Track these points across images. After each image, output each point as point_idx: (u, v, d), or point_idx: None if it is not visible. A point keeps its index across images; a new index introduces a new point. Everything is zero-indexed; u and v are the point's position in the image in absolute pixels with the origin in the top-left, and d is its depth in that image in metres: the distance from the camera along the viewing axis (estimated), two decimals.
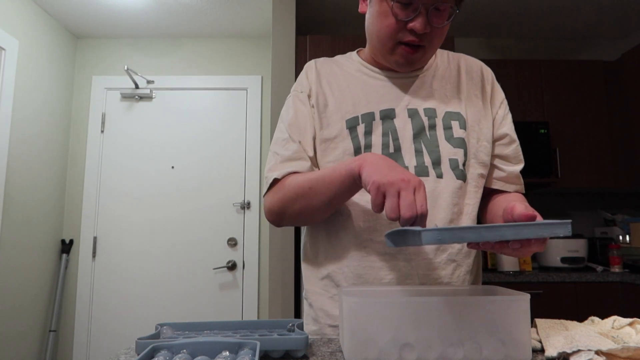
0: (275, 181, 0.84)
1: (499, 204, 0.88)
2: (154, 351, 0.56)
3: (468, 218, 0.84)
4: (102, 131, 2.85)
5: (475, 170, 0.86)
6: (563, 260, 2.40)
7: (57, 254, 2.71)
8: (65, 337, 2.68)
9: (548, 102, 2.66)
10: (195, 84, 2.89)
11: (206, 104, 2.89)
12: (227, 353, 0.56)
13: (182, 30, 2.84)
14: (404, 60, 0.84)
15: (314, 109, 0.89)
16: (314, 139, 0.88)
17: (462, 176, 0.84)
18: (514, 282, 2.22)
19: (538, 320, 0.68)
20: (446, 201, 0.82)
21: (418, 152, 0.83)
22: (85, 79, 2.90)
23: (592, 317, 0.72)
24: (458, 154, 0.84)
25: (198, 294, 2.72)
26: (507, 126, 0.92)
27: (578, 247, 2.41)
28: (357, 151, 0.84)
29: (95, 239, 2.76)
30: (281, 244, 2.20)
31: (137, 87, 2.85)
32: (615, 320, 0.68)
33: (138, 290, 2.71)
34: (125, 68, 2.65)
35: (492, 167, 0.91)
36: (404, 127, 0.85)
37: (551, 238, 0.63)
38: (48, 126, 2.62)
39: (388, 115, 0.85)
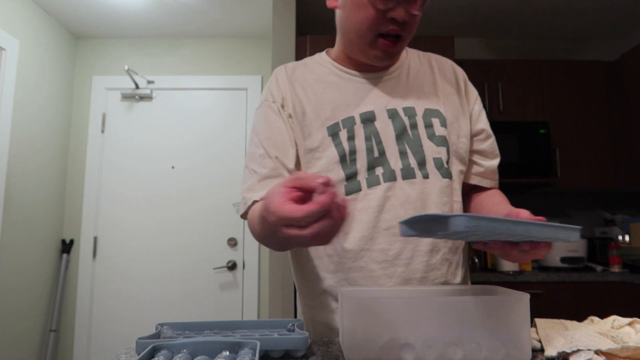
0: (255, 202, 0.79)
1: (485, 204, 0.88)
2: (154, 351, 0.56)
3: None
4: (103, 131, 2.85)
5: (457, 167, 0.86)
6: (563, 260, 2.40)
7: (58, 254, 2.71)
8: (66, 337, 2.68)
9: (548, 102, 2.66)
10: (195, 84, 2.89)
11: (206, 104, 2.89)
12: (227, 353, 0.56)
13: (182, 30, 2.84)
14: (383, 54, 0.82)
15: (292, 118, 0.85)
16: (297, 149, 0.85)
17: (447, 174, 0.84)
18: (514, 282, 2.22)
19: (538, 320, 0.68)
20: (435, 201, 0.81)
21: (402, 154, 0.82)
22: (85, 79, 2.90)
23: (592, 317, 0.72)
24: (441, 153, 0.84)
25: (198, 294, 2.72)
26: (483, 121, 0.93)
27: (578, 247, 2.41)
28: (342, 159, 0.82)
29: (95, 239, 2.76)
30: None
31: (137, 87, 2.85)
32: (615, 320, 0.68)
33: (138, 290, 2.71)
34: (126, 68, 2.65)
35: (470, 162, 0.91)
36: (385, 129, 0.83)
37: (562, 242, 0.60)
38: (48, 126, 2.62)
39: (368, 118, 0.83)
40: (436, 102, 0.87)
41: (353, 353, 0.57)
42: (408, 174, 0.81)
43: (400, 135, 0.83)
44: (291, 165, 0.83)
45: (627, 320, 0.67)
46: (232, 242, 2.76)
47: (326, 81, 0.88)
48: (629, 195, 2.96)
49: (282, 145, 0.84)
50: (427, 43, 2.45)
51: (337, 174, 0.82)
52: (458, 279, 0.85)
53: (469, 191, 0.94)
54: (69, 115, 2.85)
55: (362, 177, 0.81)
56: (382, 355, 0.56)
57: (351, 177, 0.82)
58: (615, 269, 2.39)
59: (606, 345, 0.56)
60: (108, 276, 2.73)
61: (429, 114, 0.85)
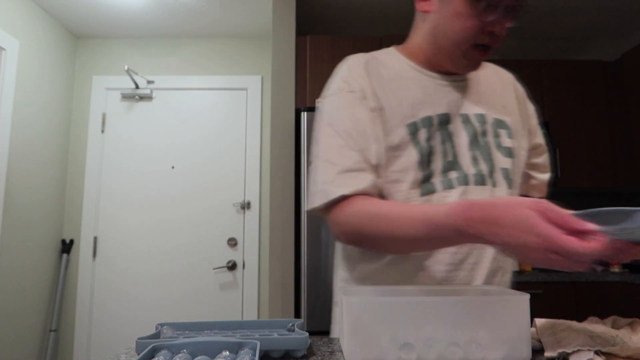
0: (342, 197, 0.75)
1: None
2: (154, 351, 0.56)
3: None
4: (103, 131, 2.85)
5: (518, 179, 0.87)
6: None
7: (58, 254, 2.71)
8: (66, 337, 2.68)
9: (548, 102, 2.66)
10: (195, 84, 2.89)
11: (206, 104, 2.89)
12: (227, 353, 0.56)
13: (182, 30, 2.84)
14: (474, 64, 0.81)
15: (374, 112, 0.81)
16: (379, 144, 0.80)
17: (512, 185, 0.85)
18: (514, 282, 2.22)
19: (538, 320, 0.68)
20: None
21: (474, 160, 0.82)
22: (85, 79, 2.90)
23: (592, 317, 0.72)
24: (508, 164, 0.84)
25: (198, 294, 2.72)
26: (540, 136, 0.95)
27: None
28: (421, 160, 0.80)
29: (95, 239, 2.76)
30: (281, 244, 2.20)
31: (137, 87, 2.85)
32: (615, 320, 0.68)
33: (138, 290, 2.71)
34: (126, 68, 2.65)
35: (527, 175, 0.93)
36: (459, 134, 0.82)
37: None
38: (48, 126, 2.62)
39: (444, 121, 0.82)
40: (503, 113, 0.87)
41: (353, 353, 0.57)
42: (480, 180, 0.81)
43: (472, 141, 0.83)
44: (374, 160, 0.79)
45: (628, 320, 0.67)
46: (232, 242, 2.76)
47: (403, 78, 0.85)
48: (629, 195, 2.96)
49: (364, 138, 0.79)
50: None
51: (415, 174, 0.80)
52: (507, 286, 0.86)
53: None
54: (69, 115, 2.85)
55: (437, 179, 0.80)
56: (382, 355, 0.56)
57: (427, 179, 0.81)
58: (615, 268, 2.39)
59: (606, 345, 0.56)
60: (108, 276, 2.73)
61: (497, 124, 0.85)
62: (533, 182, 0.94)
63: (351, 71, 0.85)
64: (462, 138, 0.82)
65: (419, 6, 0.84)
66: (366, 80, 0.83)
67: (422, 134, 0.80)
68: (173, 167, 2.82)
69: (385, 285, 0.80)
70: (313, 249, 2.01)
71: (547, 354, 0.59)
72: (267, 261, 2.73)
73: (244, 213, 2.79)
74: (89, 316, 2.69)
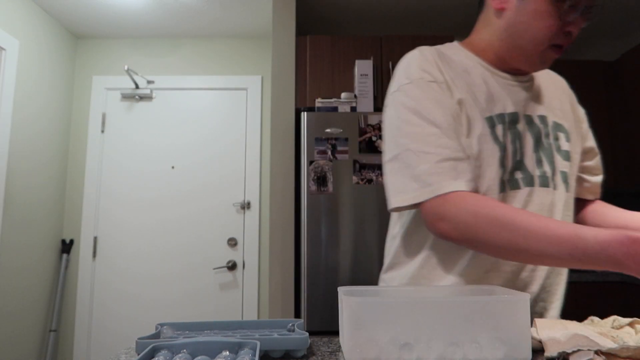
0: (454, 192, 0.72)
1: (603, 213, 0.91)
2: (154, 351, 0.56)
3: None
4: (103, 131, 2.85)
5: (574, 183, 0.87)
6: None
7: (58, 254, 2.71)
8: (65, 337, 2.68)
9: None
10: (195, 84, 2.89)
11: (206, 104, 2.89)
12: (227, 353, 0.56)
13: (182, 30, 2.84)
14: (546, 63, 0.80)
15: (460, 104, 0.78)
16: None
17: (570, 189, 0.85)
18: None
19: (538, 320, 0.68)
20: (560, 214, 0.82)
21: (539, 162, 0.82)
22: (85, 79, 2.90)
23: (592, 317, 0.72)
24: (566, 167, 0.84)
25: (198, 294, 2.72)
26: (592, 139, 0.96)
27: None
28: (501, 156, 0.79)
29: (95, 239, 2.76)
30: (281, 244, 2.20)
31: (137, 87, 2.85)
32: (615, 320, 0.68)
33: (138, 290, 2.71)
34: (126, 68, 2.65)
35: (580, 178, 0.94)
36: (525, 134, 0.82)
37: None
38: (48, 126, 2.62)
39: (514, 120, 0.81)
40: (561, 117, 0.87)
41: (353, 353, 0.57)
42: (544, 182, 0.81)
43: (537, 142, 0.83)
44: (468, 151, 0.76)
45: (627, 320, 0.67)
46: (232, 242, 2.76)
47: (472, 74, 0.83)
48: (629, 195, 2.96)
49: (456, 128, 0.76)
50: (427, 43, 2.46)
51: (496, 170, 0.78)
52: (558, 294, 0.86)
53: (577, 204, 0.96)
54: (69, 115, 2.85)
55: (506, 177, 0.80)
56: (382, 355, 0.56)
57: (501, 175, 0.80)
58: None
59: (606, 345, 0.56)
60: (108, 276, 2.73)
61: (556, 127, 0.85)
62: (586, 184, 0.95)
63: (428, 61, 0.81)
64: (528, 139, 0.82)
65: (494, 3, 0.81)
66: (443, 72, 0.81)
67: (499, 130, 0.79)
68: (173, 167, 2.82)
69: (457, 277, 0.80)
70: (313, 249, 2.01)
71: (547, 354, 0.59)
72: (267, 261, 2.73)
73: (244, 213, 2.79)
74: (89, 316, 2.69)
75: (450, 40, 2.45)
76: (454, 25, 2.90)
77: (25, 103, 2.43)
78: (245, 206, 2.79)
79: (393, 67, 2.41)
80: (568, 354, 0.56)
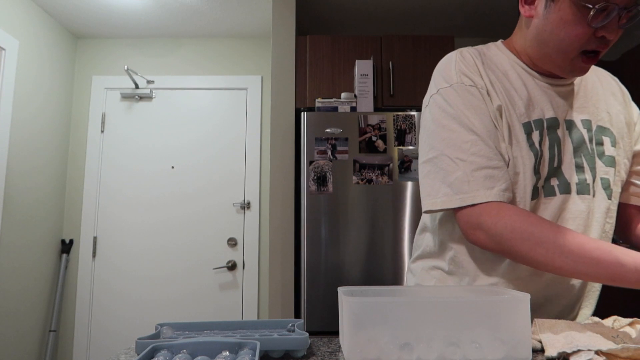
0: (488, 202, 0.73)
1: None
2: (154, 351, 0.56)
3: (608, 237, 0.83)
4: (102, 131, 2.85)
5: (617, 189, 0.84)
6: None
7: (57, 254, 2.71)
8: (65, 337, 2.68)
9: None
10: (195, 84, 2.89)
11: (206, 104, 2.89)
12: (227, 353, 0.56)
13: (182, 30, 2.84)
14: (579, 71, 0.77)
15: (499, 110, 0.78)
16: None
17: (610, 196, 0.82)
18: None
19: (538, 320, 0.68)
20: (598, 221, 0.80)
21: (579, 168, 0.79)
22: (85, 79, 2.90)
23: (592, 317, 0.72)
24: (609, 173, 0.81)
25: (198, 294, 2.72)
26: None
27: None
28: (536, 162, 0.77)
29: (95, 239, 2.76)
30: (281, 244, 2.20)
31: (137, 87, 2.85)
32: (615, 320, 0.68)
33: (138, 290, 2.71)
34: (125, 68, 2.65)
35: (629, 183, 0.89)
36: (565, 140, 0.80)
37: None
38: (48, 126, 2.62)
39: (553, 125, 0.79)
40: (608, 120, 0.84)
41: (353, 353, 0.57)
42: (583, 189, 0.79)
43: (578, 148, 0.80)
44: (507, 157, 0.76)
45: (628, 320, 0.67)
46: (232, 242, 2.76)
47: (513, 77, 0.81)
48: None
49: (494, 134, 0.76)
50: (427, 43, 2.45)
51: (531, 177, 0.77)
52: (596, 294, 0.85)
53: (622, 208, 0.91)
54: (68, 115, 2.85)
55: (540, 184, 0.79)
56: (382, 355, 0.56)
57: (536, 182, 0.79)
58: None
59: (607, 345, 0.56)
60: (108, 276, 2.73)
61: (600, 131, 0.82)
62: (637, 190, 0.89)
63: (468, 65, 0.80)
64: (567, 144, 0.80)
65: (523, 10, 0.80)
66: (483, 75, 0.79)
67: (536, 136, 0.78)
68: (173, 167, 2.82)
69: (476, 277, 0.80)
70: (313, 249, 2.01)
71: (547, 354, 0.59)
72: (267, 261, 2.73)
73: (244, 213, 2.79)
74: (88, 316, 2.69)
75: (451, 40, 2.45)
76: (454, 25, 2.90)
77: (25, 103, 2.43)
78: (245, 206, 2.79)
79: (393, 67, 2.42)
80: (568, 354, 0.56)
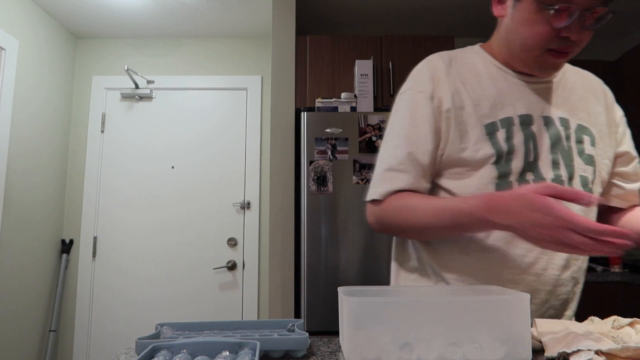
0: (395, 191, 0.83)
1: (635, 220, 0.87)
2: (154, 351, 0.56)
3: None
4: (102, 131, 2.85)
5: (597, 189, 0.85)
6: None
7: (57, 254, 2.71)
8: (65, 337, 2.68)
9: None
10: (195, 84, 2.89)
11: (206, 104, 2.89)
12: (227, 353, 0.56)
13: (182, 30, 2.84)
14: (547, 69, 0.80)
15: (448, 112, 0.82)
16: (446, 145, 0.82)
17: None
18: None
19: (538, 320, 0.68)
20: None
21: (555, 164, 0.81)
22: (85, 79, 2.90)
23: (592, 317, 0.72)
24: (588, 172, 0.82)
25: (198, 294, 2.72)
26: (627, 143, 0.91)
27: None
28: (499, 157, 0.80)
29: (95, 238, 2.76)
30: (281, 244, 2.20)
31: (137, 87, 2.85)
32: (615, 320, 0.68)
33: (138, 290, 2.71)
34: (125, 68, 2.65)
35: (610, 184, 0.90)
36: (541, 136, 0.81)
37: None
38: (48, 126, 2.62)
39: (526, 122, 0.81)
40: (587, 119, 0.85)
41: (353, 353, 0.57)
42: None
43: (555, 144, 0.81)
44: (425, 160, 0.82)
45: (628, 320, 0.67)
46: (232, 242, 2.76)
47: (484, 77, 0.85)
48: None
49: (420, 140, 0.82)
50: (427, 43, 2.46)
51: (490, 171, 0.80)
52: (577, 297, 0.85)
53: (605, 211, 0.92)
54: (68, 115, 2.85)
55: (513, 178, 0.80)
56: (382, 355, 0.56)
57: (503, 176, 0.80)
58: (616, 269, 2.39)
59: (606, 345, 0.56)
60: (108, 276, 2.73)
61: (580, 130, 0.84)
62: (619, 191, 0.90)
63: (425, 71, 0.86)
64: (544, 140, 0.81)
65: (495, 10, 0.83)
66: (446, 81, 0.84)
67: (501, 134, 0.80)
68: (173, 167, 2.82)
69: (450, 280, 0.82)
70: (313, 249, 2.01)
71: (547, 354, 0.59)
72: (267, 261, 2.73)
73: (244, 213, 2.79)
74: (88, 316, 2.68)
75: (451, 40, 2.45)
76: (454, 25, 2.90)
77: (25, 103, 2.43)
78: (245, 206, 2.79)
79: (393, 67, 2.41)
80: (568, 354, 0.56)
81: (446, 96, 0.83)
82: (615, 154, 0.89)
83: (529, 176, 0.80)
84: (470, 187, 0.81)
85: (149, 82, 2.88)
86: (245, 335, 0.66)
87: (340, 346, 0.69)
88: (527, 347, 0.57)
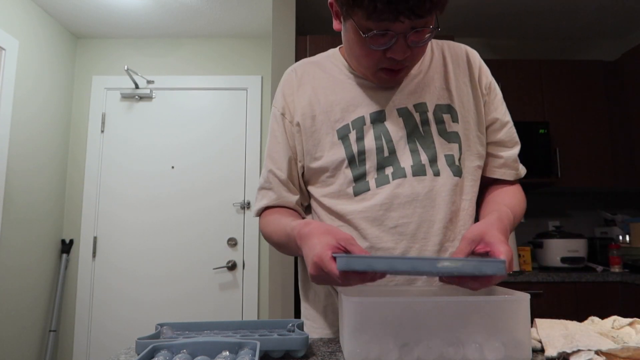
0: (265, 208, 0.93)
1: (490, 204, 0.85)
2: (154, 351, 0.56)
3: (465, 214, 0.83)
4: (102, 131, 2.85)
5: (471, 164, 0.84)
6: (563, 260, 2.40)
7: (57, 254, 2.71)
8: (65, 337, 2.68)
9: (548, 102, 2.66)
10: (195, 84, 2.89)
11: (206, 104, 2.89)
12: (227, 353, 0.56)
13: (182, 30, 2.84)
14: (385, 82, 0.81)
15: (298, 127, 0.86)
16: (304, 156, 0.86)
17: (458, 172, 0.82)
18: (514, 282, 2.22)
19: (538, 320, 0.68)
20: (444, 200, 0.80)
21: (414, 152, 0.80)
22: (85, 79, 2.90)
23: (592, 317, 0.72)
24: (453, 149, 0.82)
25: (198, 294, 2.72)
26: (497, 110, 0.88)
27: (578, 247, 2.41)
28: (351, 160, 0.81)
29: (95, 239, 2.76)
30: None
31: (137, 87, 2.85)
32: (615, 320, 0.68)
33: (138, 290, 2.71)
34: (125, 68, 2.65)
35: (489, 155, 0.88)
36: (396, 128, 0.81)
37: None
38: (48, 126, 2.62)
39: (378, 118, 0.82)
40: (448, 97, 0.84)
41: (353, 353, 0.57)
42: (418, 171, 0.80)
43: (411, 133, 0.81)
44: (283, 175, 0.87)
45: (628, 320, 0.67)
46: (232, 242, 2.76)
47: (337, 80, 0.86)
48: (629, 195, 2.96)
49: (277, 156, 0.88)
50: None
51: (345, 175, 0.81)
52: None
53: (492, 184, 0.90)
54: (68, 115, 2.85)
55: (371, 177, 0.80)
56: (382, 355, 0.56)
57: (360, 177, 0.81)
58: (616, 269, 2.39)
59: (607, 345, 0.56)
60: (108, 276, 2.73)
61: (439, 109, 0.83)
62: (498, 160, 0.88)
63: (280, 87, 0.90)
64: (399, 132, 0.81)
65: (335, 24, 0.82)
66: (296, 95, 0.87)
67: (353, 136, 0.82)
68: (173, 167, 2.82)
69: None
70: None
71: (547, 354, 0.59)
72: (267, 261, 2.73)
73: (244, 213, 2.79)
74: (88, 316, 2.68)
75: (450, 40, 2.45)
76: (454, 25, 2.90)
77: (25, 103, 2.43)
78: (245, 206, 2.79)
79: None
80: (568, 354, 0.56)
81: (297, 110, 0.86)
82: (486, 123, 0.87)
83: (388, 170, 0.80)
84: (333, 193, 0.83)
85: (149, 82, 2.88)
86: (245, 335, 0.66)
87: (340, 346, 0.69)
88: (527, 347, 0.57)
